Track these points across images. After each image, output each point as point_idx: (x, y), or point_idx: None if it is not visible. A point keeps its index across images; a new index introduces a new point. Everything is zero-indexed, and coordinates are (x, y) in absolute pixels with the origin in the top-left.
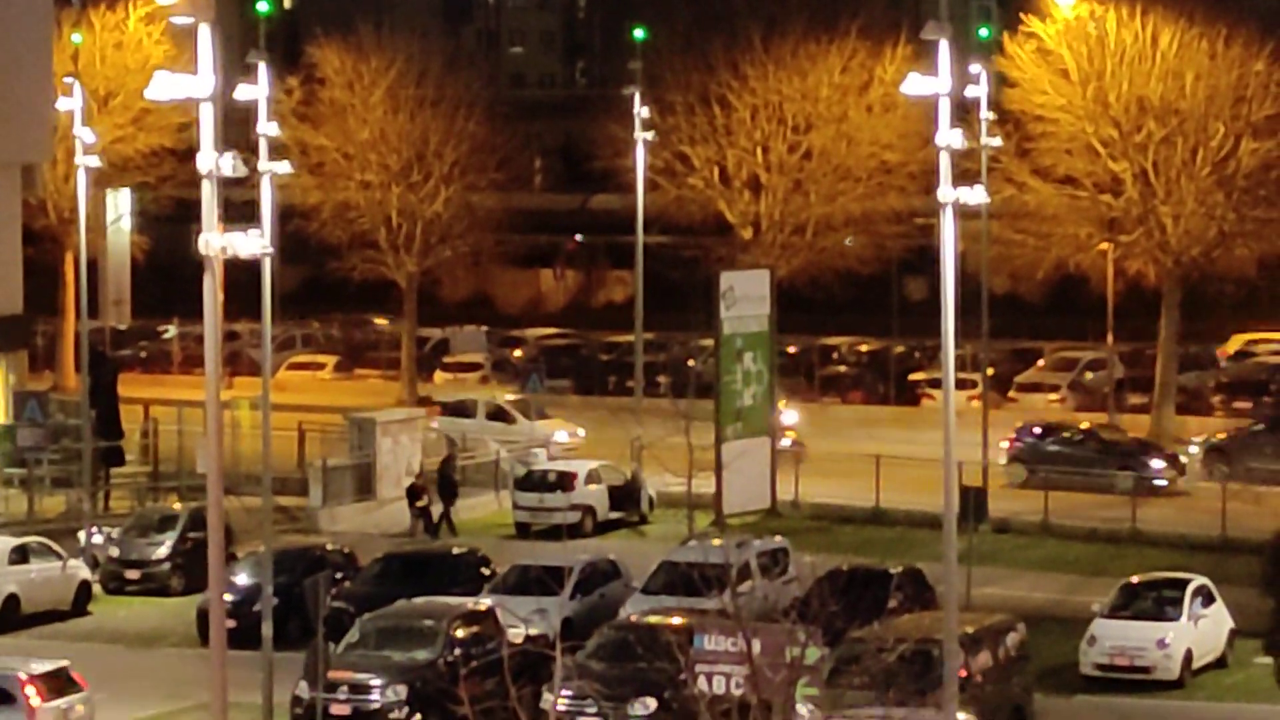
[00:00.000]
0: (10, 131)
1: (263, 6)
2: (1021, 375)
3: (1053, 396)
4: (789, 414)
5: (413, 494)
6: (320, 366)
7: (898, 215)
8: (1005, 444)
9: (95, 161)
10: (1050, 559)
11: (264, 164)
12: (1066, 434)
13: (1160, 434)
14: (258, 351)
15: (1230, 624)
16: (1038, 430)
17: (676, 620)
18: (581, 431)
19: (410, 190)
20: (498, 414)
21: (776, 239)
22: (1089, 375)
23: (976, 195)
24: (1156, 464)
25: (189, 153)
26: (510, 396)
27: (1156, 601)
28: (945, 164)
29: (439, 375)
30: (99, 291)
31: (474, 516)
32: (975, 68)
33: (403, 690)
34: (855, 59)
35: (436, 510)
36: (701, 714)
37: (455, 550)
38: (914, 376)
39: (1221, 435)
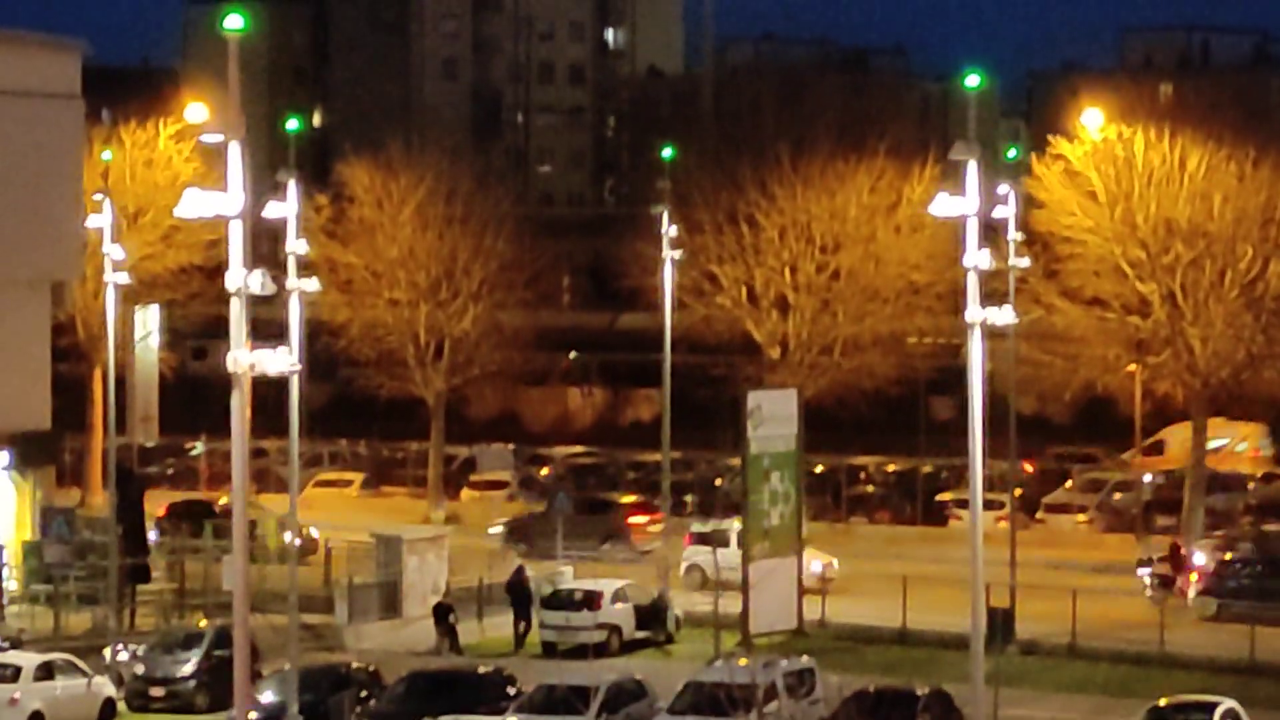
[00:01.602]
0: (41, 249)
1: (293, 125)
2: (1049, 496)
3: (1081, 518)
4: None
5: (439, 612)
6: (347, 484)
7: (925, 335)
8: (1194, 576)
9: (124, 278)
10: (1078, 681)
11: (293, 282)
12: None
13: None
14: (285, 469)
15: None
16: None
17: None
18: (836, 562)
19: (438, 308)
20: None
21: (804, 358)
22: (1117, 496)
23: (1005, 316)
24: None
25: (218, 269)
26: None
27: None
28: (973, 285)
29: (465, 493)
30: (127, 408)
31: (501, 635)
32: (1003, 188)
33: None
34: (883, 179)
35: (464, 627)
36: None
37: (481, 669)
38: (941, 496)
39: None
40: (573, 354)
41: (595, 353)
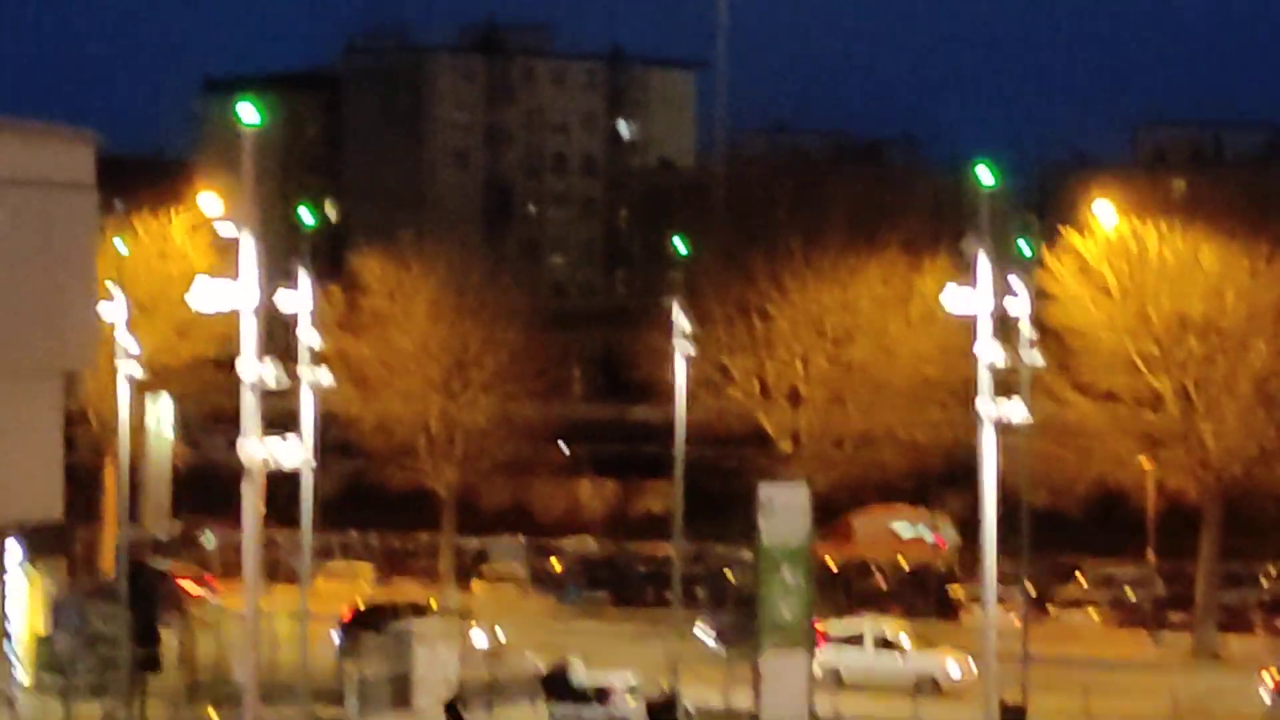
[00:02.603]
0: (54, 339)
1: (308, 219)
2: (1061, 591)
3: (1092, 613)
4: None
5: (451, 709)
6: (358, 576)
7: (937, 429)
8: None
9: (137, 369)
10: None
11: (306, 376)
12: None
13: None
14: (297, 560)
15: None
16: None
17: None
18: (974, 664)
19: (450, 399)
20: (886, 643)
21: (816, 451)
22: (1129, 592)
23: (1017, 412)
24: None
25: (231, 360)
26: (895, 622)
27: None
28: (985, 379)
29: (476, 585)
30: (139, 499)
31: None
32: (1015, 282)
33: None
34: (896, 271)
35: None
36: None
37: None
38: (953, 591)
39: None
40: (564, 447)
41: (606, 444)
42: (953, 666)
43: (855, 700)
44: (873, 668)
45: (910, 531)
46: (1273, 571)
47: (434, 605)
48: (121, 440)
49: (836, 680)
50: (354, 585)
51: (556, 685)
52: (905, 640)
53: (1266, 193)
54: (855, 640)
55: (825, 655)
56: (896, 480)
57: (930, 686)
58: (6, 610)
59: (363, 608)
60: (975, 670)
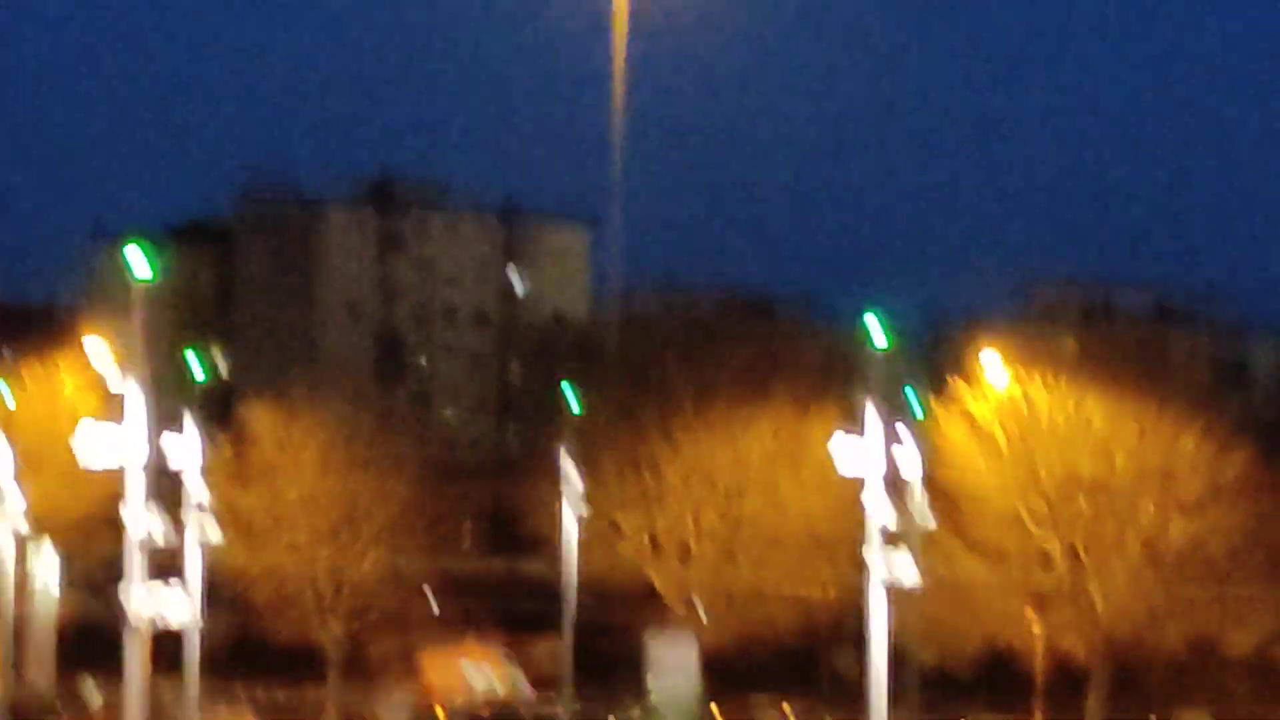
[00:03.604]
0: None
1: (197, 367)
2: None
3: None
4: None
5: None
6: None
7: (828, 586)
8: None
9: (22, 523)
10: None
11: (192, 530)
12: None
13: None
14: (182, 713)
15: None
16: None
17: None
18: None
19: (338, 551)
20: None
21: (706, 607)
22: None
23: (908, 571)
24: None
25: (117, 515)
26: None
27: None
28: (875, 539)
29: None
30: (23, 652)
31: None
32: (905, 438)
33: None
34: (786, 426)
35: None
36: None
37: None
38: None
39: None
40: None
41: (495, 598)
42: None
43: None
44: None
45: (478, 677)
46: None
47: None
48: (5, 593)
49: None
50: None
51: None
52: None
53: (1155, 352)
54: None
55: None
56: (786, 637)
57: None
58: None
59: None
60: None
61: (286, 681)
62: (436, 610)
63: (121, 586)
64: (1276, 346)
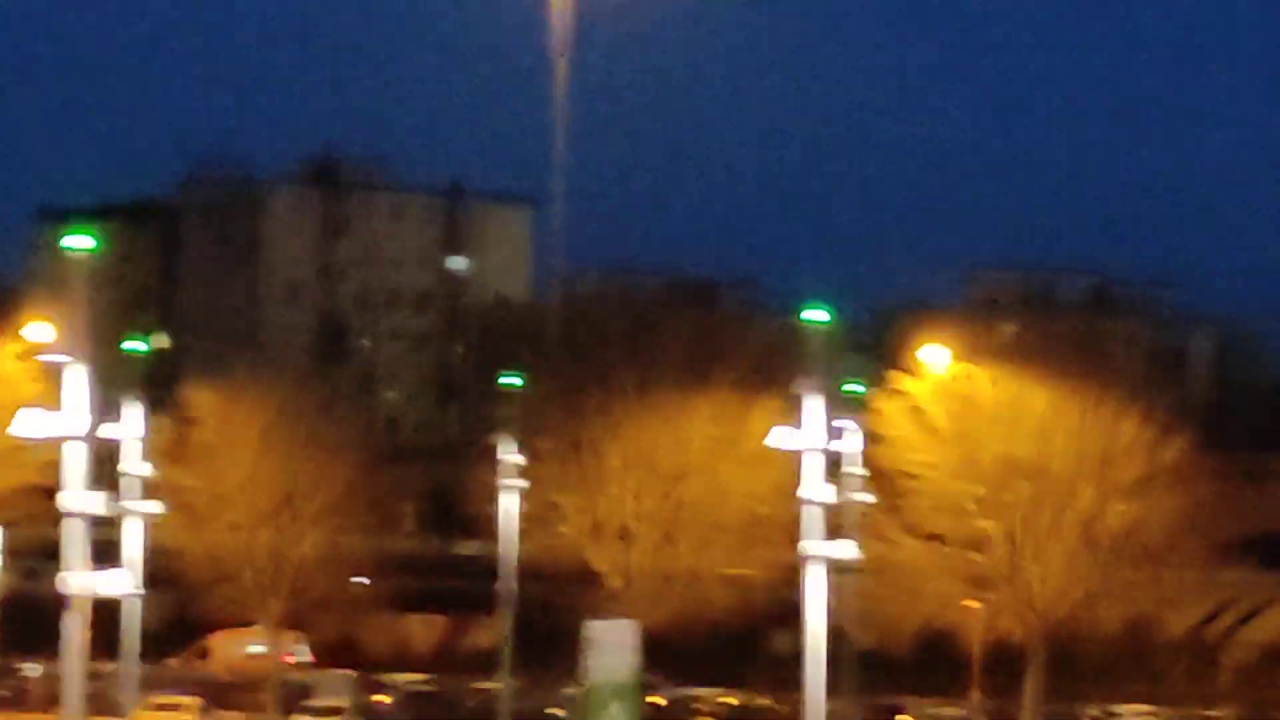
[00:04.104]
0: None
1: (138, 347)
2: None
3: None
4: None
5: None
6: (181, 708)
7: (768, 567)
8: None
9: None
10: None
11: (132, 506)
12: None
13: None
14: (120, 692)
15: None
16: None
17: None
18: None
19: (278, 532)
20: None
21: (646, 588)
22: None
23: (846, 550)
24: None
25: (56, 489)
26: None
27: None
28: (813, 519)
29: None
30: None
31: None
32: (846, 423)
33: None
34: (727, 410)
35: None
36: None
37: None
38: None
39: None
40: (364, 580)
41: (436, 579)
42: None
43: None
44: None
45: (263, 649)
46: (1095, 712)
47: None
48: None
49: None
50: (178, 718)
51: None
52: None
53: (1094, 338)
54: None
55: None
56: (725, 618)
57: None
58: None
59: None
60: None
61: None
62: (370, 589)
63: (60, 563)
64: (1214, 334)
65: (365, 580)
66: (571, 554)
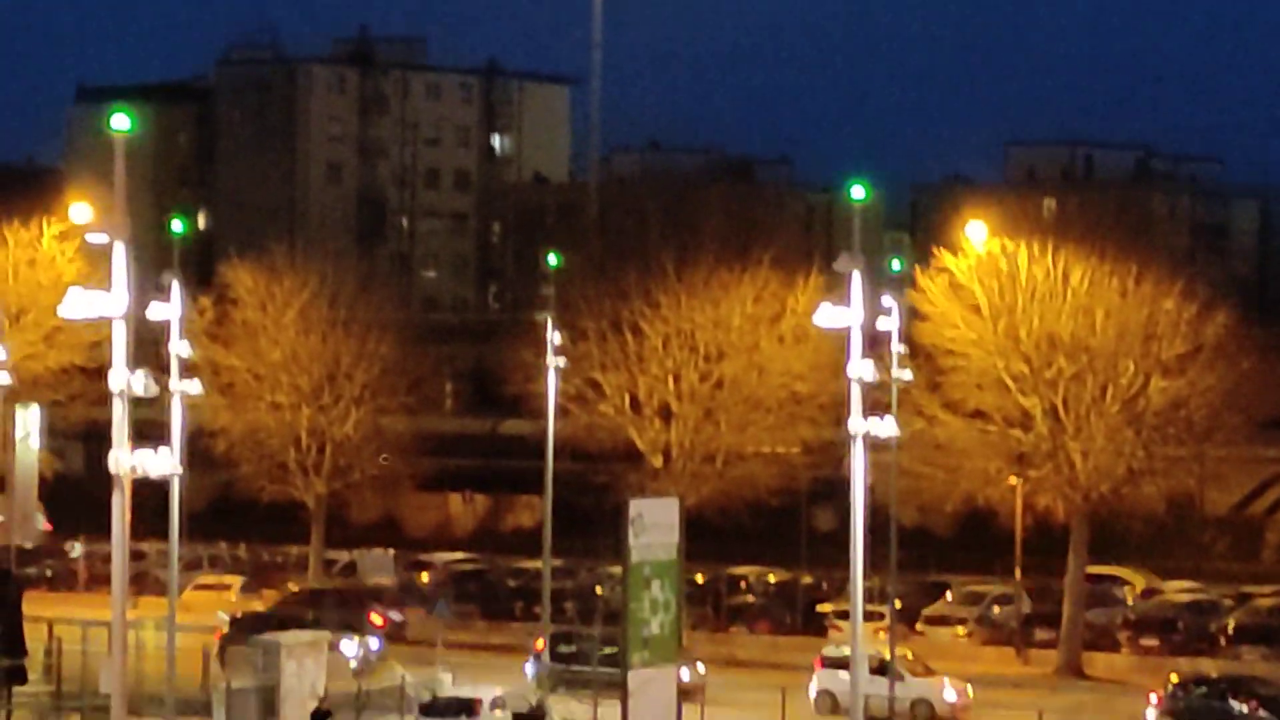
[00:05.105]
0: None
1: (178, 227)
2: (929, 608)
3: (960, 630)
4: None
5: (317, 717)
6: (226, 587)
7: (808, 446)
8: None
9: (5, 378)
10: None
11: (175, 384)
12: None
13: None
14: (164, 571)
15: None
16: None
17: None
18: (971, 690)
19: (320, 412)
20: (882, 668)
21: (686, 467)
22: (996, 610)
23: (887, 428)
24: None
25: (100, 370)
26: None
27: None
28: (856, 396)
29: None
30: (5, 509)
31: None
32: (887, 300)
33: None
34: (767, 289)
35: None
36: None
37: None
38: (821, 607)
39: None
40: (383, 458)
41: (477, 458)
42: (949, 691)
43: None
44: (868, 692)
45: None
46: (1138, 590)
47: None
48: None
49: (832, 703)
50: (222, 598)
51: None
52: (902, 665)
53: (1136, 212)
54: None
55: (821, 678)
56: (766, 496)
57: (926, 711)
58: None
59: (241, 616)
60: (971, 696)
61: (269, 541)
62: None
63: (105, 441)
64: (1257, 207)
65: (387, 458)
66: (612, 433)
